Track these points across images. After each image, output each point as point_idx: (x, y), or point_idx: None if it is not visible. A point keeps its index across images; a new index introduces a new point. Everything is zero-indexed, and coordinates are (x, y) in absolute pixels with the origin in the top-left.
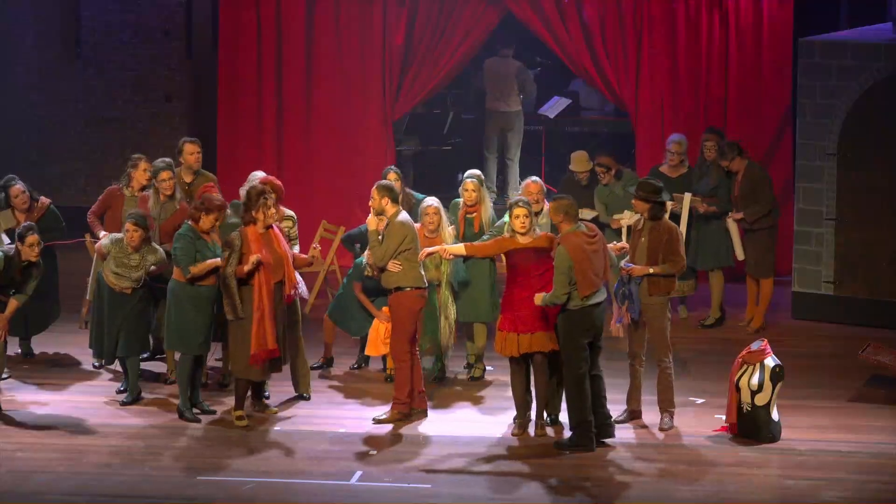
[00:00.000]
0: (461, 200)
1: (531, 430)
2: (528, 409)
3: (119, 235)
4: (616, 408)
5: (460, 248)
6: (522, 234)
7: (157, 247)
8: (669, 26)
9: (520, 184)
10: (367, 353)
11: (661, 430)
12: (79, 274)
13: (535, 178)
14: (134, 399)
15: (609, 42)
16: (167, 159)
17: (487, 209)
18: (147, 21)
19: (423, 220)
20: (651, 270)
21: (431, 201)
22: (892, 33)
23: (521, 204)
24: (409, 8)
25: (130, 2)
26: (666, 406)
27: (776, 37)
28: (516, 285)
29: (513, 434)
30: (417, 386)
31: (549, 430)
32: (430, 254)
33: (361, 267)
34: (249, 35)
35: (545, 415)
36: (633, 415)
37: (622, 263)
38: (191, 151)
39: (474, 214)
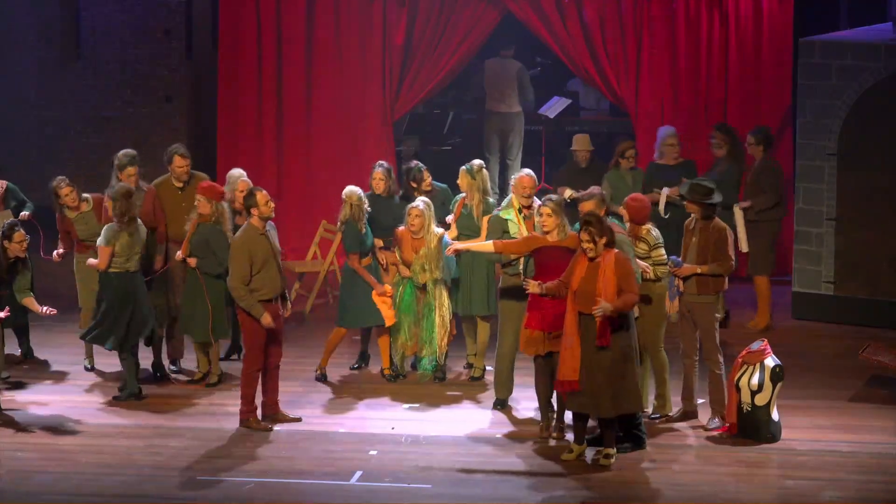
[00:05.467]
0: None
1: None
2: (552, 409)
3: (113, 226)
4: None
5: (489, 245)
6: (547, 233)
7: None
8: (669, 26)
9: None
10: (387, 325)
11: (705, 429)
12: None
13: (527, 171)
14: (130, 395)
15: (609, 42)
16: (130, 151)
17: (482, 199)
18: (147, 21)
19: (408, 220)
20: (699, 270)
21: (417, 202)
22: (892, 33)
23: (546, 203)
24: (410, 8)
25: (130, 2)
26: (715, 406)
27: (776, 37)
28: None
29: (541, 436)
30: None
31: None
32: (458, 251)
33: (356, 236)
34: (249, 35)
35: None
36: (687, 415)
37: (671, 259)
38: (179, 164)
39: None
